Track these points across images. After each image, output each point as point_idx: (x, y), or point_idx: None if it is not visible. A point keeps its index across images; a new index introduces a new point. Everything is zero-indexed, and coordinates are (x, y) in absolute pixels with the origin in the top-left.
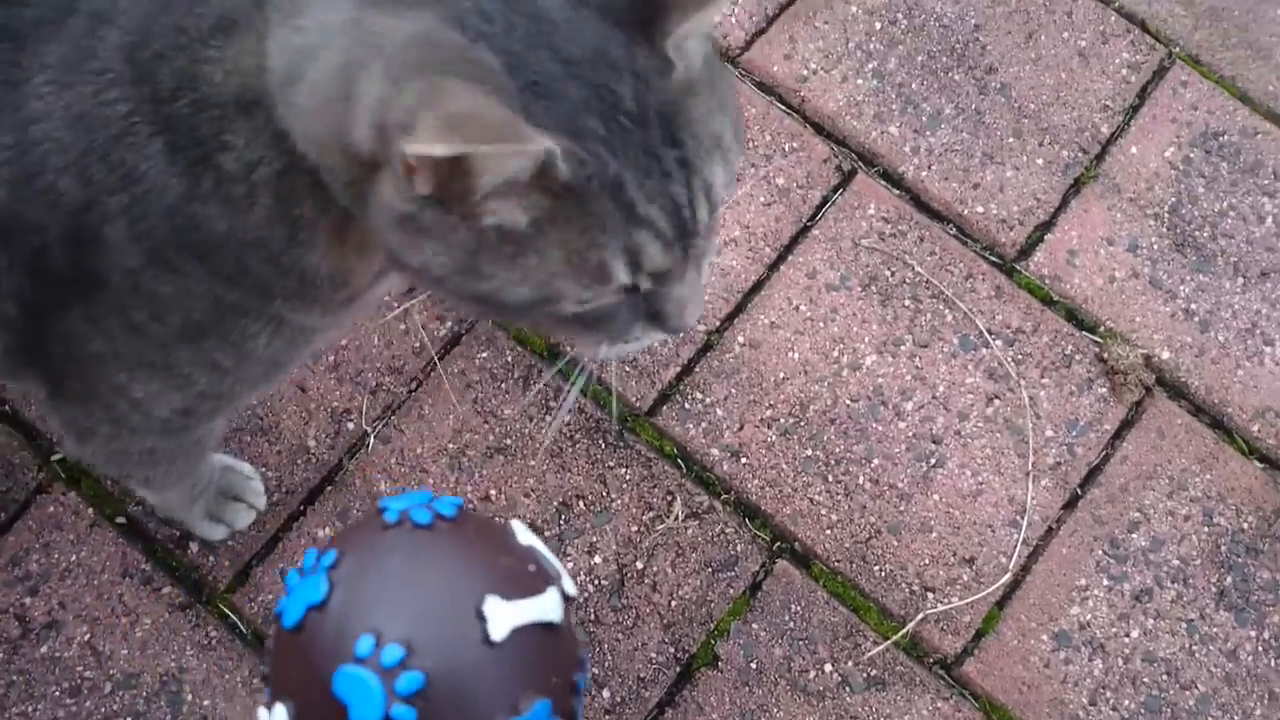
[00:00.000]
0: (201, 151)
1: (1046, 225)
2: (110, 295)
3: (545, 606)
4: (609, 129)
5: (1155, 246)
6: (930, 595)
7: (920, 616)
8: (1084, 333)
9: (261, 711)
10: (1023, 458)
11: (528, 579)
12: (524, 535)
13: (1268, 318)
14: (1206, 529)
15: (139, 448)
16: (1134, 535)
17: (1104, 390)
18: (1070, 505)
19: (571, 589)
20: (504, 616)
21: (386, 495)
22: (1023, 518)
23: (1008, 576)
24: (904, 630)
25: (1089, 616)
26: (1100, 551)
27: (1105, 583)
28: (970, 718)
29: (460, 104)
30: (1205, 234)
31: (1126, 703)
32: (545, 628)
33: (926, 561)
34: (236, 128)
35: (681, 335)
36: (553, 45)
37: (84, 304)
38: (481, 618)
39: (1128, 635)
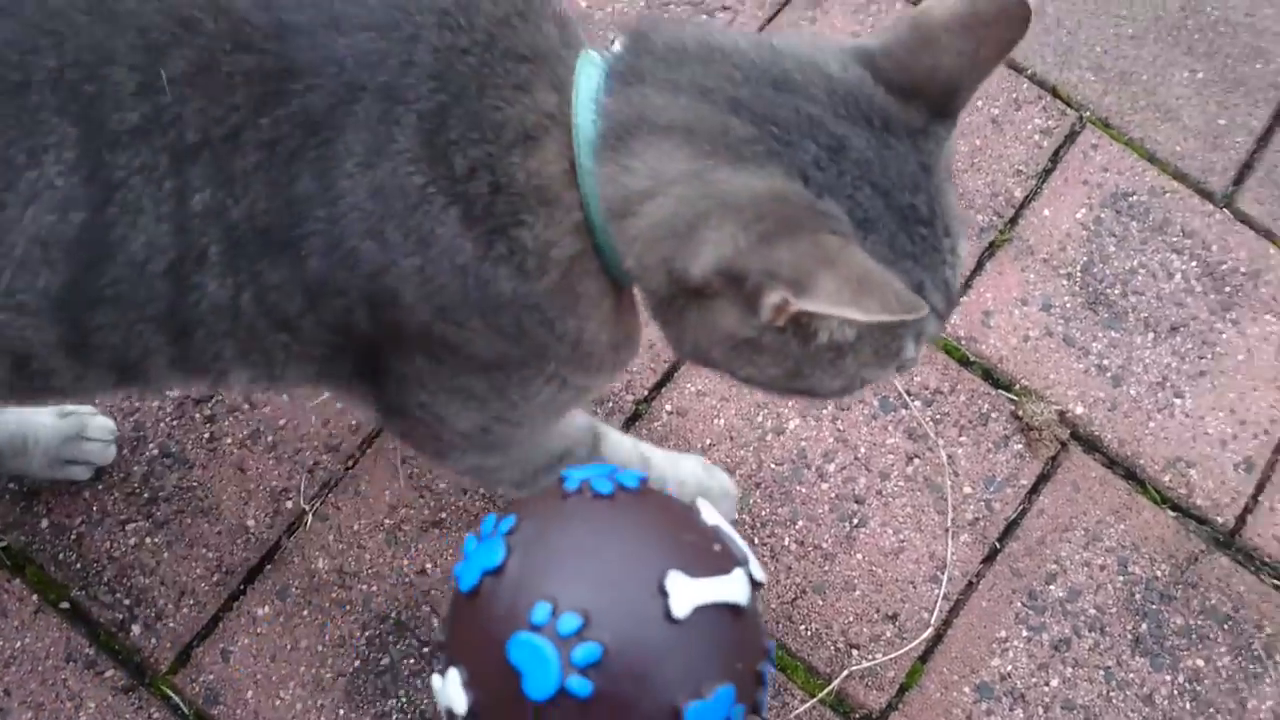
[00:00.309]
0: (497, 224)
1: (963, 288)
2: (408, 338)
3: (731, 588)
4: (915, 243)
5: (1068, 305)
6: (855, 652)
7: (845, 673)
8: (1000, 391)
9: (435, 678)
10: (942, 514)
11: (713, 558)
12: (709, 514)
13: (1177, 371)
14: (1121, 578)
15: (462, 465)
16: (1051, 586)
17: (1020, 447)
18: (989, 559)
19: (760, 574)
20: (687, 593)
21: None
22: (943, 573)
23: (929, 631)
24: (829, 688)
25: (1009, 667)
26: (1019, 603)
27: (1025, 633)
28: None
29: (856, 268)
30: (1116, 291)
31: None
32: (731, 610)
33: (851, 619)
34: (535, 213)
35: (611, 404)
36: (872, 181)
37: (390, 343)
38: (663, 593)
39: (1047, 684)
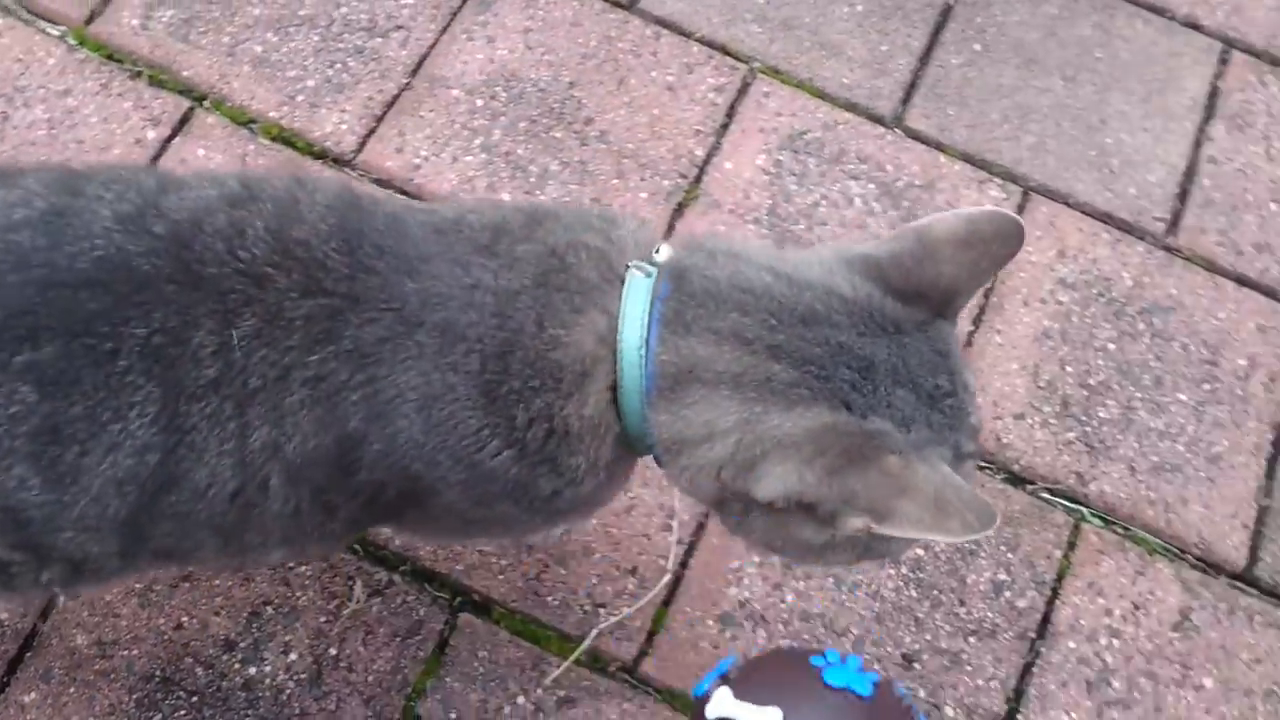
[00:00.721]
0: (548, 455)
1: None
2: (427, 510)
3: None
4: (946, 415)
5: None
6: (602, 610)
7: (595, 632)
8: None
9: (727, 696)
10: None
11: None
12: None
13: None
14: None
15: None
16: None
17: None
18: None
19: None
20: None
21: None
22: (674, 520)
23: (668, 577)
24: (581, 647)
25: (746, 594)
26: None
27: (756, 560)
28: (656, 711)
29: (931, 490)
30: (802, 226)
31: None
32: None
33: (595, 581)
34: (586, 444)
35: None
36: (901, 383)
37: (400, 513)
38: None
39: (784, 601)
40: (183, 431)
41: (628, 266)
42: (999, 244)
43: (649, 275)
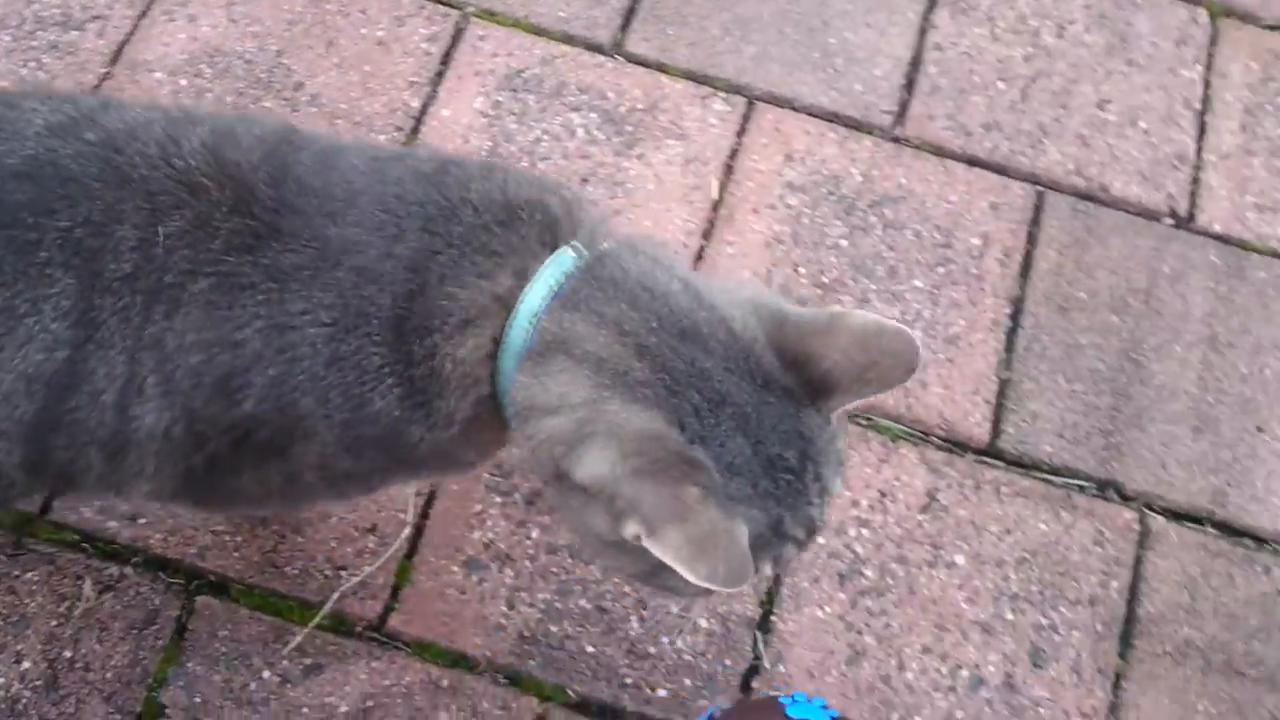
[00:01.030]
0: (425, 399)
1: None
2: (288, 461)
3: None
4: (779, 486)
5: None
6: (343, 573)
7: (336, 594)
8: None
9: None
10: None
11: None
12: None
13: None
14: None
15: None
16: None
17: None
18: None
19: None
20: None
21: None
22: None
23: (408, 530)
24: (322, 611)
25: (490, 535)
26: (487, 475)
27: (498, 500)
28: (406, 665)
29: (704, 528)
30: (525, 163)
31: (540, 595)
32: None
33: (333, 545)
34: (455, 392)
35: None
36: (746, 433)
37: (259, 464)
38: None
39: (529, 538)
40: (93, 327)
41: (569, 244)
42: (890, 360)
43: (579, 256)
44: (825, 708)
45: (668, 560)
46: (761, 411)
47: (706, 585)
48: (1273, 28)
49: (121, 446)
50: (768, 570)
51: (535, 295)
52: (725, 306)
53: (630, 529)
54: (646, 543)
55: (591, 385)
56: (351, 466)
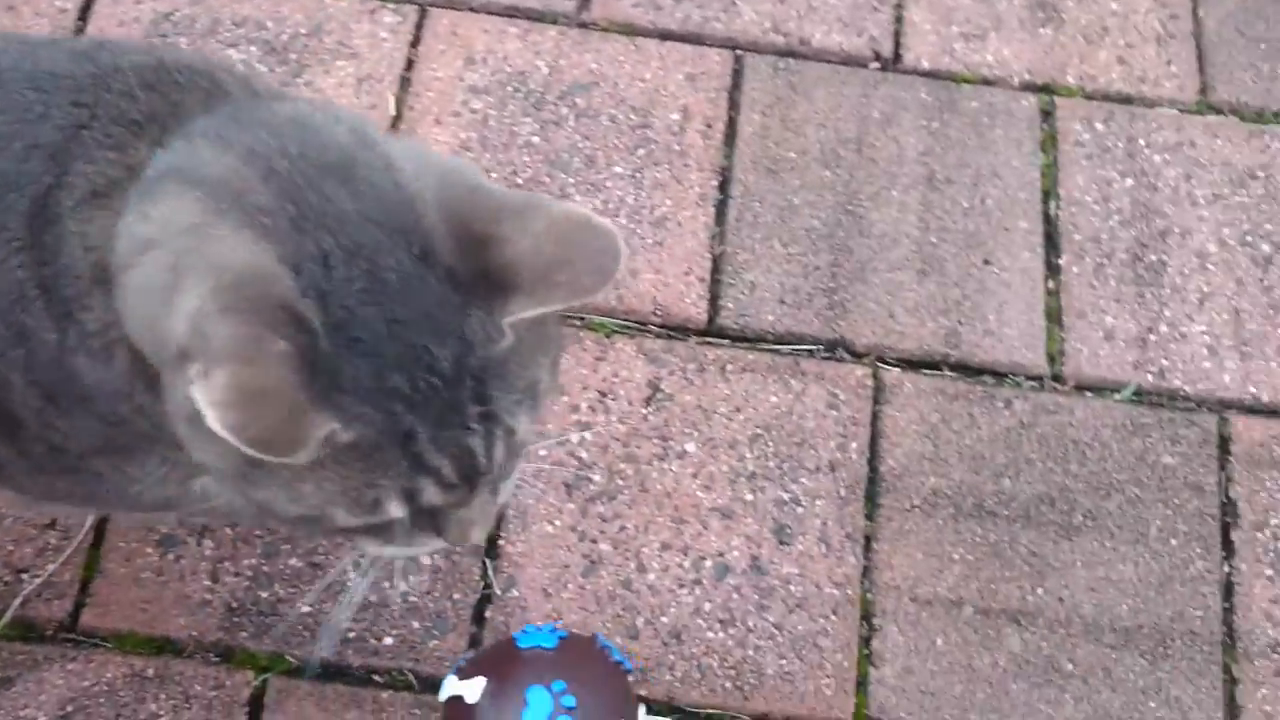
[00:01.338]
0: (65, 309)
1: None
2: (27, 430)
3: None
4: (415, 387)
5: None
6: (24, 576)
7: (17, 601)
8: None
9: (452, 678)
10: None
11: None
12: (643, 714)
13: None
14: None
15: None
16: None
17: None
18: None
19: None
20: None
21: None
22: None
23: (91, 518)
24: (1, 622)
25: None
26: None
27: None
28: (106, 660)
29: (268, 380)
30: None
31: (246, 562)
32: None
33: (10, 548)
34: (93, 293)
35: None
36: (383, 304)
37: (9, 437)
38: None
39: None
40: None
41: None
42: (585, 260)
43: (235, 109)
44: (555, 629)
45: (200, 401)
46: (411, 287)
47: (227, 436)
48: None
49: None
50: (397, 510)
51: (172, 152)
52: (401, 158)
53: (189, 370)
54: (195, 387)
55: (200, 210)
56: (73, 429)
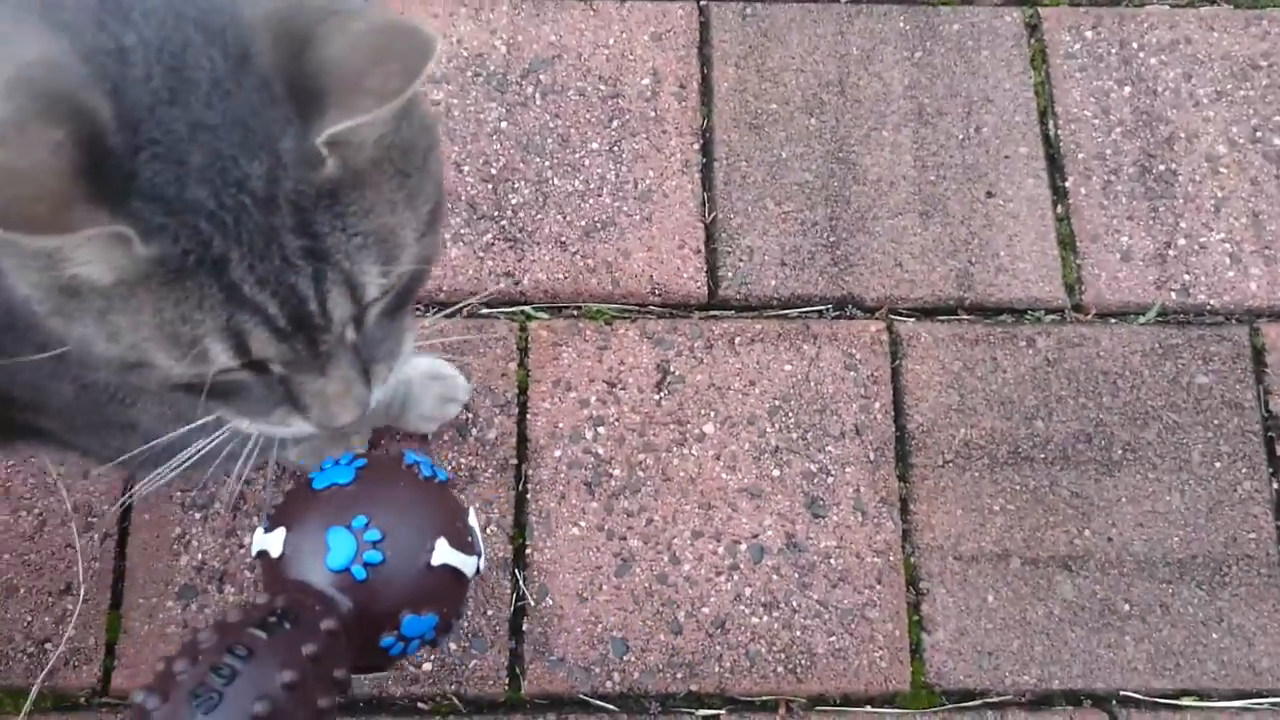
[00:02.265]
0: None
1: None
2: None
3: (466, 563)
4: (222, 205)
5: None
6: (48, 646)
7: (46, 670)
8: None
9: (260, 531)
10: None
11: (465, 543)
12: (473, 519)
13: None
14: None
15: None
16: None
17: None
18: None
19: (483, 568)
20: (442, 553)
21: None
22: (85, 515)
23: (79, 567)
24: (30, 697)
25: (199, 556)
26: (179, 493)
27: (198, 516)
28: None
29: (16, 160)
30: None
31: None
32: (457, 575)
33: (29, 619)
34: None
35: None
36: (188, 106)
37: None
38: (430, 548)
39: (242, 546)
40: None
41: None
42: (395, 61)
43: None
44: (354, 460)
45: None
46: (221, 90)
47: None
48: None
49: None
50: (224, 359)
51: None
52: None
53: None
54: None
55: (7, 19)
56: (37, 374)
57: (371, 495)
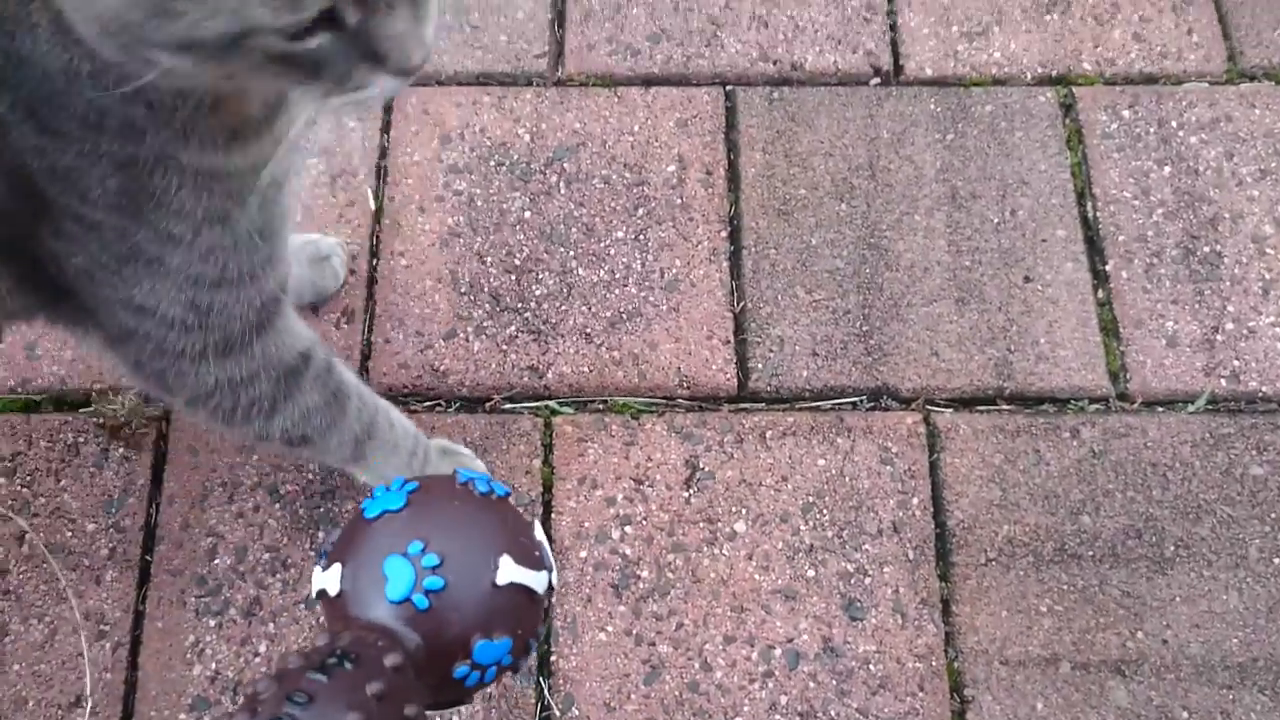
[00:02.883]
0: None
1: None
2: (51, 203)
3: (537, 580)
4: None
5: None
6: None
7: None
8: (71, 414)
9: (317, 570)
10: (74, 570)
11: (532, 559)
12: (539, 533)
13: None
14: (278, 504)
15: (206, 377)
16: (216, 560)
17: (122, 450)
18: (143, 580)
19: (556, 582)
20: (509, 571)
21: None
22: (96, 622)
23: (121, 688)
24: None
25: (214, 665)
26: (193, 598)
27: (212, 623)
28: None
29: None
30: None
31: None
32: (529, 593)
33: None
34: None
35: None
36: None
37: (47, 221)
38: (495, 566)
39: (257, 654)
40: None
41: None
42: None
43: None
44: (405, 484)
45: None
46: None
47: None
48: None
49: None
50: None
51: None
52: None
53: None
54: None
55: None
56: (86, 161)
57: (426, 518)
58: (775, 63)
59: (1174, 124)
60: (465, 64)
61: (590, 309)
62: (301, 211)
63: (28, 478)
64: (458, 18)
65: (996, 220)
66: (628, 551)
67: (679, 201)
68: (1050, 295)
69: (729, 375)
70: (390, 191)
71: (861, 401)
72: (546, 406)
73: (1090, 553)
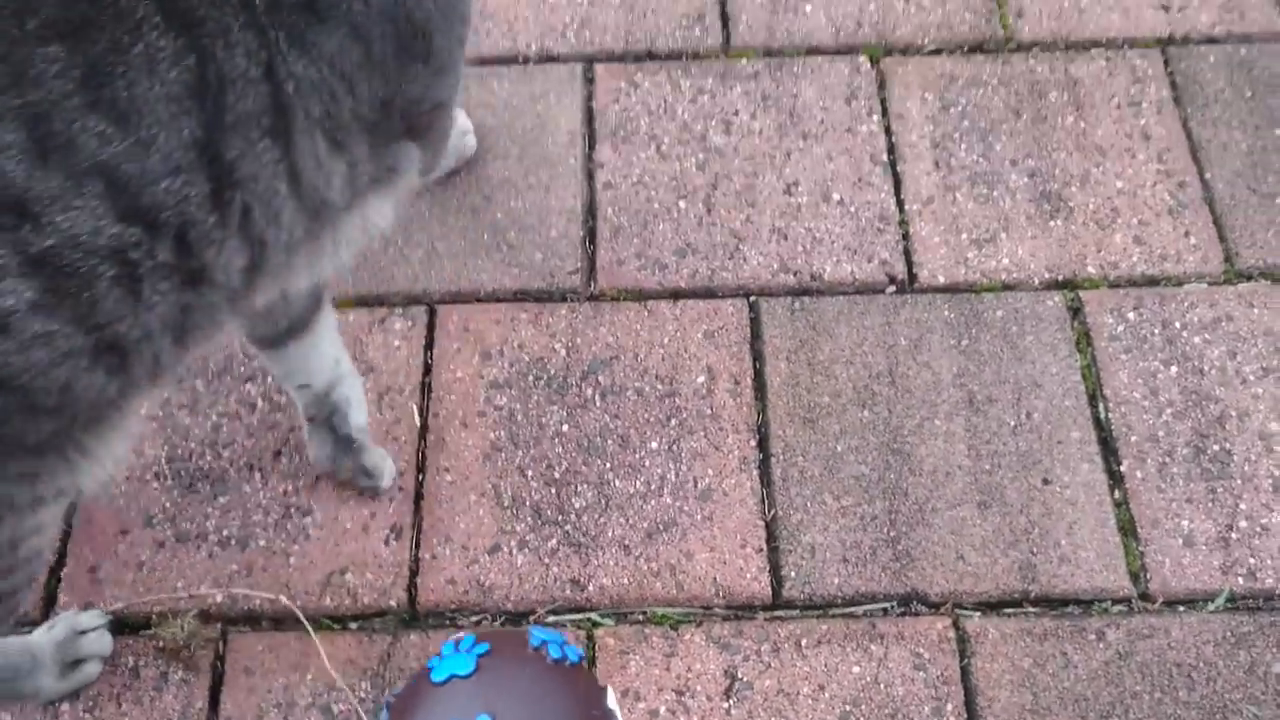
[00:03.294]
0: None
1: None
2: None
3: None
4: None
5: None
6: None
7: None
8: (131, 636)
9: None
10: None
11: None
12: (612, 701)
13: None
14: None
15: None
16: None
17: (181, 674)
18: None
19: None
20: None
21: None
22: None
23: None
24: None
25: None
26: None
27: None
28: None
29: None
30: (208, 456)
31: None
32: None
33: None
34: None
35: None
36: None
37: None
38: None
39: None
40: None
41: None
42: None
43: None
44: (475, 644)
45: None
46: None
47: None
48: (935, 52)
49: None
50: None
51: None
52: None
53: None
54: None
55: None
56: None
57: (496, 686)
58: (795, 273)
59: (1177, 324)
60: (503, 281)
61: (628, 520)
62: None
63: (90, 703)
64: (495, 237)
65: (1013, 423)
66: None
67: (709, 411)
68: (1069, 497)
69: (763, 584)
70: (434, 407)
71: (892, 607)
72: (588, 619)
73: None
